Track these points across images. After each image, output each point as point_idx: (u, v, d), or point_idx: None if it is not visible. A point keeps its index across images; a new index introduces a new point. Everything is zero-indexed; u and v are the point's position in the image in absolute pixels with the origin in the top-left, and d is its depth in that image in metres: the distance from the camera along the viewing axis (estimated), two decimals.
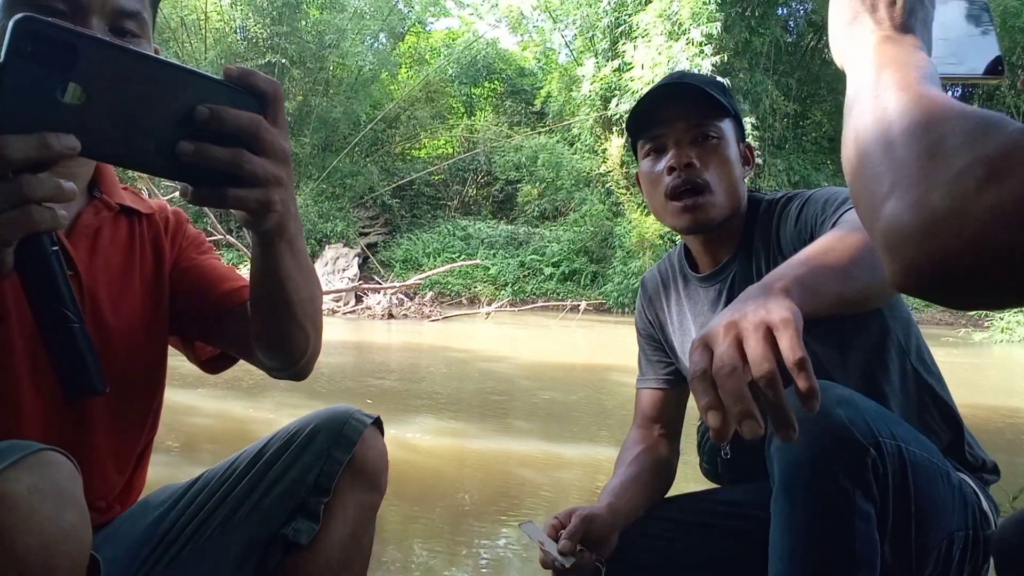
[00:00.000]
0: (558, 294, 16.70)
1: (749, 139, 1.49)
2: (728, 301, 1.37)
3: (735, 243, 1.39)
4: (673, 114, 1.35)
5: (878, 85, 0.63)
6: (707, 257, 1.43)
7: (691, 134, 1.34)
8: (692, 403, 1.50)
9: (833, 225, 1.12)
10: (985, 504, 1.13)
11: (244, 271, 1.07)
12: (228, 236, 12.12)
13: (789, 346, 0.72)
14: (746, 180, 1.41)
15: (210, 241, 1.22)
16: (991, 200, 0.46)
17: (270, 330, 0.98)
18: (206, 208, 12.72)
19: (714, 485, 1.48)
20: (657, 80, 1.47)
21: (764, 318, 0.75)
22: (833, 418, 0.95)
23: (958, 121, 0.52)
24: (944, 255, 0.48)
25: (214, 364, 1.21)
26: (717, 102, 1.34)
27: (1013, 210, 0.45)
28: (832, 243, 0.94)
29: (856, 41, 0.70)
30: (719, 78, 1.56)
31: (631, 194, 16.93)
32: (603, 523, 1.29)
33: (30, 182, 0.62)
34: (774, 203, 1.37)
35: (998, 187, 0.46)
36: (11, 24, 0.60)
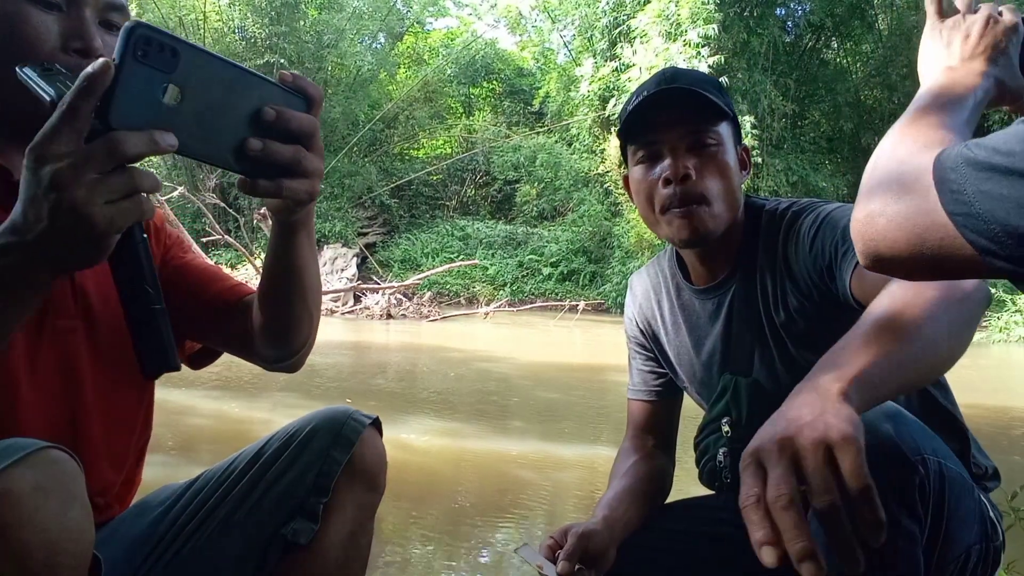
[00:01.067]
0: (556, 294, 16.68)
1: (747, 140, 1.41)
2: (728, 317, 1.32)
3: (733, 255, 1.31)
4: (667, 119, 1.25)
5: (907, 110, 0.80)
6: (702, 268, 1.35)
7: (687, 140, 1.25)
8: (688, 408, 1.51)
9: (856, 265, 1.05)
10: (992, 514, 1.11)
11: (241, 271, 1.09)
12: (226, 236, 12.10)
13: (852, 472, 0.65)
14: (743, 185, 1.33)
15: (209, 241, 1.24)
16: (892, 211, 0.67)
17: (281, 318, 1.02)
18: (204, 209, 12.73)
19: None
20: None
21: (823, 436, 0.67)
22: (881, 433, 0.89)
23: (908, 146, 0.72)
24: (874, 244, 0.69)
25: (198, 360, 1.22)
26: (715, 105, 1.25)
27: (902, 219, 0.65)
28: (891, 319, 0.83)
29: (929, 71, 0.86)
30: (714, 76, 1.39)
31: None
32: (600, 539, 1.24)
33: (140, 174, 0.68)
34: (778, 216, 1.28)
35: (896, 202, 0.67)
36: (125, 29, 0.65)
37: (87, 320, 1.00)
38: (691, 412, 1.50)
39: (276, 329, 1.04)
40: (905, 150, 0.71)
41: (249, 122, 0.73)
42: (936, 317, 0.82)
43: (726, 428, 1.29)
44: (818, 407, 0.71)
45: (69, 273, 0.73)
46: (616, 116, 15.68)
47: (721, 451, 1.30)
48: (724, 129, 1.28)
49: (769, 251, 1.27)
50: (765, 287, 1.27)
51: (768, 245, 1.27)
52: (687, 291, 1.40)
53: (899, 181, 0.67)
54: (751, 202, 1.34)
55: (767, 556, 0.65)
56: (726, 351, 1.33)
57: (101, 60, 0.64)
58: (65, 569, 0.71)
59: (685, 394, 1.52)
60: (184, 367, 1.23)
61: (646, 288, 1.50)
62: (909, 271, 0.68)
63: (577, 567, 1.20)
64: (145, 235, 0.78)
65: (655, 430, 1.49)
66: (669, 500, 1.46)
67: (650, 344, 1.50)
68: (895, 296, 0.86)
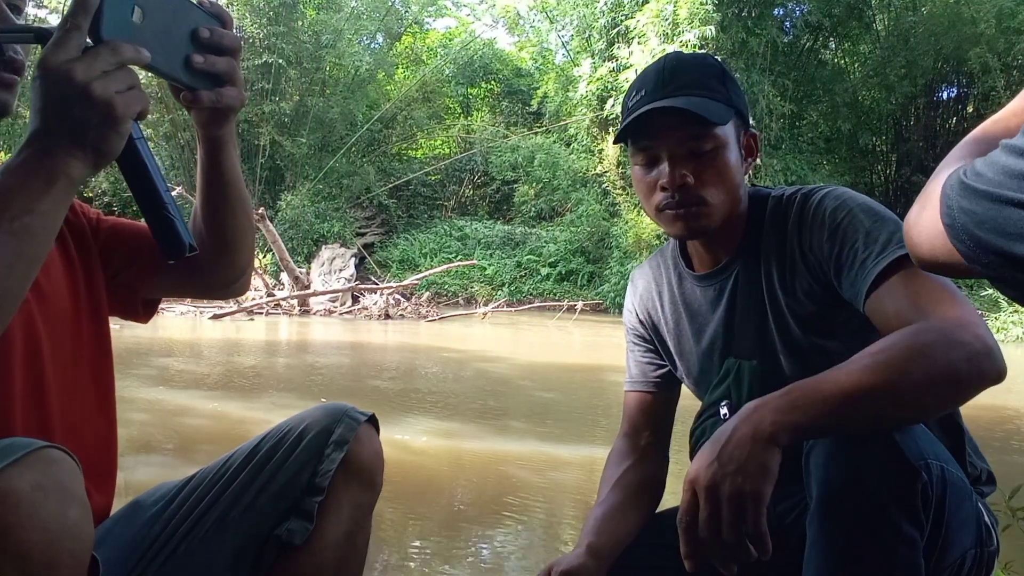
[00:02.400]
0: (555, 294, 16.68)
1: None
2: (731, 302, 1.31)
3: (736, 241, 1.31)
4: (664, 123, 1.22)
5: None
6: (706, 256, 1.35)
7: (685, 147, 1.22)
8: (684, 401, 1.51)
9: (874, 283, 1.07)
10: (987, 518, 1.10)
11: None
12: None
13: (752, 523, 0.91)
14: (748, 172, 1.30)
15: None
16: (921, 221, 0.77)
17: (227, 233, 1.09)
18: None
19: None
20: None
21: (739, 489, 0.91)
22: (885, 438, 0.92)
23: (946, 164, 0.80)
24: (913, 247, 0.80)
25: (147, 311, 1.23)
26: (713, 111, 1.21)
27: (924, 227, 0.76)
28: (865, 379, 0.93)
29: None
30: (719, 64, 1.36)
31: (627, 194, 16.89)
32: (586, 574, 1.22)
33: (133, 73, 0.79)
34: (786, 200, 1.27)
35: (921, 212, 0.78)
36: None
37: (37, 294, 0.98)
38: (687, 413, 1.50)
39: (225, 245, 1.10)
40: (942, 165, 0.82)
41: (190, 40, 0.86)
42: (908, 388, 0.93)
43: (724, 411, 1.27)
44: (746, 450, 0.92)
45: (97, 167, 0.81)
46: (614, 116, 15.74)
47: None
48: (725, 128, 1.24)
49: (777, 234, 1.26)
50: (770, 270, 1.26)
51: (776, 229, 1.26)
52: (689, 279, 1.39)
53: (927, 194, 0.79)
54: (757, 190, 1.33)
55: (688, 565, 0.96)
56: (728, 336, 1.32)
57: None
58: (65, 568, 0.71)
59: (680, 392, 1.51)
60: (139, 322, 1.23)
61: (647, 280, 1.49)
62: (942, 271, 0.80)
63: None
64: (142, 134, 0.88)
65: (651, 424, 1.47)
66: (663, 503, 1.44)
67: (650, 335, 1.48)
68: (887, 357, 0.95)
